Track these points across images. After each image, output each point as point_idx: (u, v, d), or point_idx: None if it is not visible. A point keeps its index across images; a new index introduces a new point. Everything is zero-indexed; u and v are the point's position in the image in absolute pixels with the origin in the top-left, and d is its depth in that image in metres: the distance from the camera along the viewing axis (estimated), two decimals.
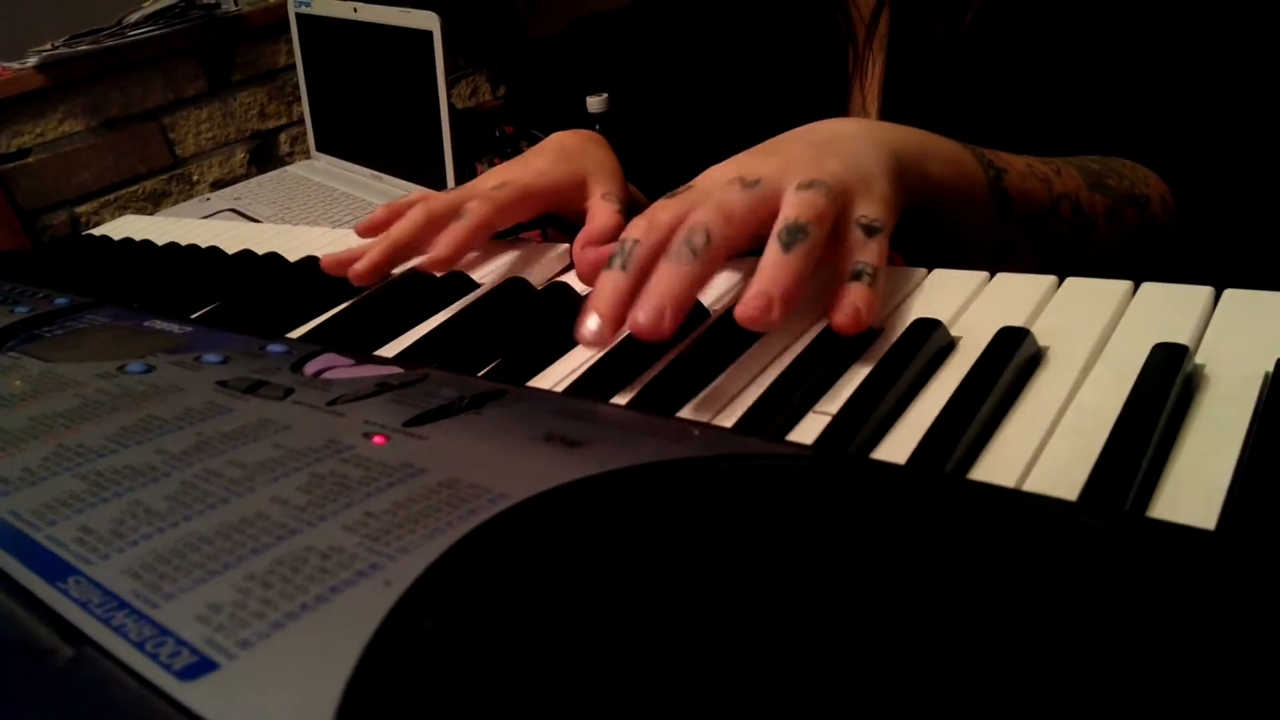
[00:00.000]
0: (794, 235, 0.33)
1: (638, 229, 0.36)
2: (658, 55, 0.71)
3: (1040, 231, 0.44)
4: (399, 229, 0.49)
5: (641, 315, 0.32)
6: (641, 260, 0.36)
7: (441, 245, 0.47)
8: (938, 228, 0.41)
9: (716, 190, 0.36)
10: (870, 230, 0.35)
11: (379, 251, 0.48)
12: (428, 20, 1.17)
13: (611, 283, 0.36)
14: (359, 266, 0.47)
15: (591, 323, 0.35)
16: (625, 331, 0.34)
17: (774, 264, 0.33)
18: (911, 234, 0.41)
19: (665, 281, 0.33)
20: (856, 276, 0.34)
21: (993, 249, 0.43)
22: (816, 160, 0.36)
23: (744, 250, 0.37)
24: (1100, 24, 0.50)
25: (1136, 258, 0.48)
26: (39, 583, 0.20)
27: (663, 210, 0.37)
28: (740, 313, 0.32)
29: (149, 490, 0.24)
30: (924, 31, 0.51)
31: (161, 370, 0.35)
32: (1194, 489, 0.24)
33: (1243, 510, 0.23)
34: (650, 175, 0.68)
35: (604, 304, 0.35)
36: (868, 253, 0.35)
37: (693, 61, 0.66)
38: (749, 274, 0.41)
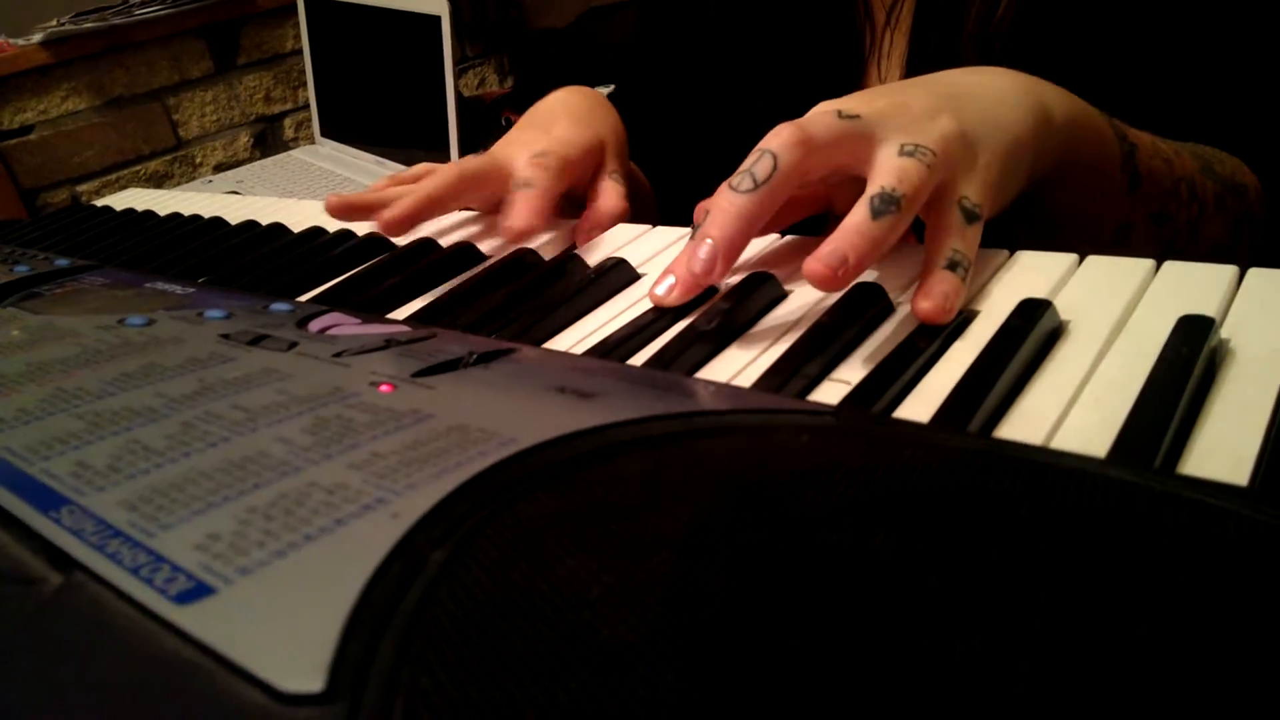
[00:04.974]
0: (886, 205, 0.31)
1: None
2: (668, 43, 0.71)
3: (1161, 214, 0.41)
4: (433, 184, 0.45)
5: (690, 261, 0.29)
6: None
7: (520, 216, 0.42)
8: (1060, 203, 0.38)
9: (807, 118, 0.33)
10: (971, 216, 0.33)
11: (412, 201, 0.44)
12: (436, 5, 1.16)
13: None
14: (390, 214, 0.43)
15: (663, 285, 0.34)
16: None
17: (858, 229, 0.30)
18: (1020, 214, 0.37)
19: (718, 220, 0.30)
20: (952, 267, 0.32)
21: (1114, 231, 0.40)
22: (930, 114, 0.33)
23: (813, 186, 0.33)
24: (1137, 12, 0.47)
25: (1237, 256, 0.45)
26: (30, 512, 0.19)
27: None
28: (810, 267, 0.30)
29: (148, 429, 0.23)
30: (953, 18, 0.50)
31: (162, 323, 0.34)
32: (1221, 457, 0.23)
33: (1272, 478, 0.22)
34: (660, 164, 0.68)
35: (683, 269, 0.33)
36: (966, 241, 0.32)
37: (704, 46, 0.65)
38: (782, 252, 0.40)
